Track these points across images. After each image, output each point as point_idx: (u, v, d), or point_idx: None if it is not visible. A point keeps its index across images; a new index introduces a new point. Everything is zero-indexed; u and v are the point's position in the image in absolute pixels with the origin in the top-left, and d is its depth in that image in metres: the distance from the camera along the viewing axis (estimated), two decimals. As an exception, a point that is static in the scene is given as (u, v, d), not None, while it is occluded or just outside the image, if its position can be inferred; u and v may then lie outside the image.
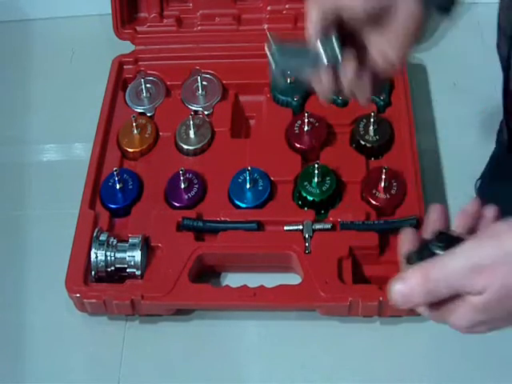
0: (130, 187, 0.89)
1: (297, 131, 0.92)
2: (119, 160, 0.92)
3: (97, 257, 0.81)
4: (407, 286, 0.54)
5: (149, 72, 1.01)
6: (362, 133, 0.91)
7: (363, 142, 0.91)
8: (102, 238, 0.83)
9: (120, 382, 0.79)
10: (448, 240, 0.55)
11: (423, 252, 0.55)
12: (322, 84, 0.63)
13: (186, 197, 0.88)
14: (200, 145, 0.93)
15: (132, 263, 0.82)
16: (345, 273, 0.80)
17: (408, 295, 0.54)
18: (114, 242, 0.83)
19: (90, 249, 0.82)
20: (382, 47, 0.61)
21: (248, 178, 0.87)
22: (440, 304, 0.55)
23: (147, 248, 0.84)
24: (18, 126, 1.03)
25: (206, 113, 0.97)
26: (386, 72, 0.63)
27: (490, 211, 0.58)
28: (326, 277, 0.79)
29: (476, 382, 0.78)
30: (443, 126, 0.98)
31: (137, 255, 0.82)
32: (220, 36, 1.03)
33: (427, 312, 0.57)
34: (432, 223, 0.58)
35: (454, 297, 0.54)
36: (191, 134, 0.93)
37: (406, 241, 0.58)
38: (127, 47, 1.04)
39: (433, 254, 0.54)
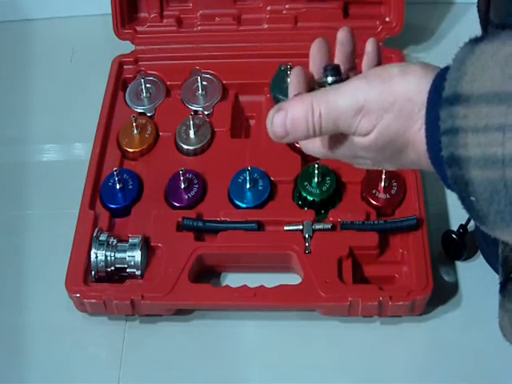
0: (130, 187, 0.89)
1: (297, 131, 0.92)
2: (119, 160, 0.92)
3: (97, 257, 0.81)
4: (290, 116, 0.51)
5: (149, 72, 1.01)
6: (362, 133, 0.91)
7: (363, 142, 0.90)
8: (102, 238, 0.83)
9: (120, 382, 0.79)
10: (335, 73, 0.52)
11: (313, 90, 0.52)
12: None
13: (186, 197, 0.88)
14: (200, 145, 0.93)
15: (132, 263, 0.82)
16: (345, 273, 0.80)
17: (290, 127, 0.51)
18: (114, 242, 0.83)
19: (90, 249, 0.82)
20: None
21: (248, 178, 0.87)
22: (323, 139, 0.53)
23: (147, 248, 0.84)
24: (18, 126, 1.02)
25: (206, 113, 0.97)
26: None
27: (370, 43, 0.55)
28: (326, 277, 0.79)
29: (476, 382, 0.78)
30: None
31: (137, 255, 0.82)
32: (220, 36, 1.03)
33: (309, 145, 0.55)
34: (317, 59, 0.55)
35: (338, 134, 0.52)
36: (191, 133, 0.93)
37: (295, 81, 0.54)
38: (127, 47, 1.03)
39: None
